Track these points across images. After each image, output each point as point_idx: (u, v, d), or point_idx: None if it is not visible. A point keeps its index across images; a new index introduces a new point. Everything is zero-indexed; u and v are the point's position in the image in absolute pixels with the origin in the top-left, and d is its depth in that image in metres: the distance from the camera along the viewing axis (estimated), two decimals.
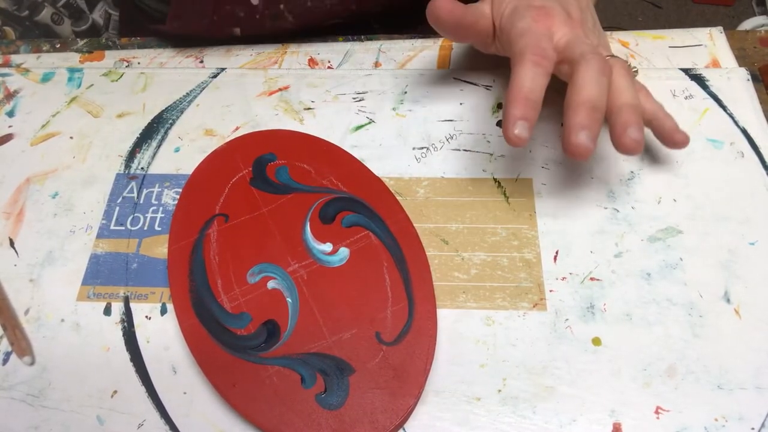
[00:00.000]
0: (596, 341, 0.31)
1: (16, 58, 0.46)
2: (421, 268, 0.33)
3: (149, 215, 0.36)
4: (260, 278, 0.33)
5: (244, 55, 0.44)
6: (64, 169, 0.39)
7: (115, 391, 0.31)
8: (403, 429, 0.29)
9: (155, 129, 0.40)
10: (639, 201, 0.35)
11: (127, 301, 0.34)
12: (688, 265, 0.33)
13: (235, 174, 0.36)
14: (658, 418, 0.29)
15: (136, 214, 0.37)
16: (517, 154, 0.37)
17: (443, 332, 0.32)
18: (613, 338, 0.31)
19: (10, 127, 0.41)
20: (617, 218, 0.35)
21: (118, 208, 0.37)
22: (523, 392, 0.30)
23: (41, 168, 0.39)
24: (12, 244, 0.36)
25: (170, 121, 0.41)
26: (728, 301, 0.32)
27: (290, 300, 0.32)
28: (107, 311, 0.33)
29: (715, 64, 0.41)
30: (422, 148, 0.38)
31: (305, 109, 0.41)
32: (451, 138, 0.39)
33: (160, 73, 0.44)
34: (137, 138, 0.40)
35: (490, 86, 0.41)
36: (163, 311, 0.33)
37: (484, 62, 0.41)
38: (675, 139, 0.34)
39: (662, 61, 0.41)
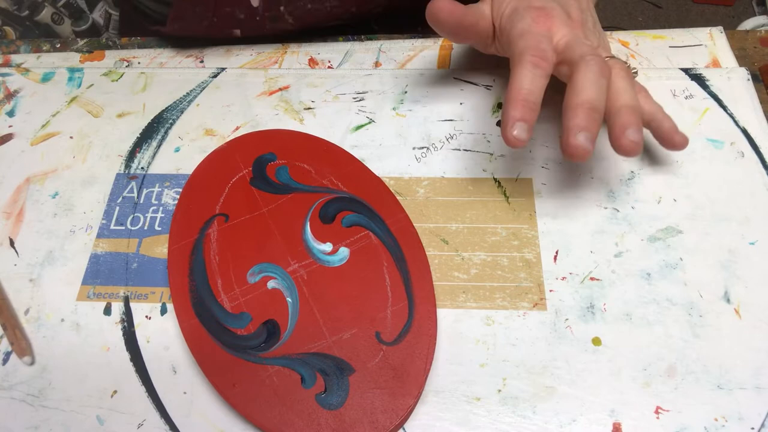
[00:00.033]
0: (596, 341, 0.31)
1: (16, 58, 0.46)
2: (421, 268, 0.33)
3: (149, 215, 0.36)
4: (260, 278, 0.33)
5: (244, 55, 0.44)
6: (64, 169, 0.39)
7: (115, 391, 0.31)
8: (403, 429, 0.29)
9: (155, 129, 0.40)
10: (639, 201, 0.35)
11: (127, 300, 0.34)
12: (688, 265, 0.33)
13: (236, 174, 0.36)
14: (658, 418, 0.29)
15: (136, 214, 0.37)
16: (518, 154, 0.37)
17: (443, 332, 0.32)
18: (613, 338, 0.31)
19: (10, 126, 0.41)
20: (617, 218, 0.35)
21: (118, 207, 0.37)
22: (523, 392, 0.30)
23: (41, 168, 0.39)
24: (12, 243, 0.36)
25: (170, 121, 0.41)
26: (728, 301, 0.32)
27: (290, 300, 0.32)
28: (107, 311, 0.33)
29: (716, 64, 0.41)
30: (422, 147, 0.38)
31: (305, 108, 0.41)
32: (452, 138, 0.39)
33: (160, 72, 0.44)
34: (137, 138, 0.40)
35: (491, 86, 0.41)
36: (163, 311, 0.33)
37: (485, 62, 0.41)
38: (674, 141, 0.34)
39: (662, 61, 0.41)
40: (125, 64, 0.44)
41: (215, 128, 0.40)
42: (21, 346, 0.32)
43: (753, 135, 0.37)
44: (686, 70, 0.40)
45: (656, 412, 0.29)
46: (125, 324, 0.33)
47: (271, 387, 0.29)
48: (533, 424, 0.29)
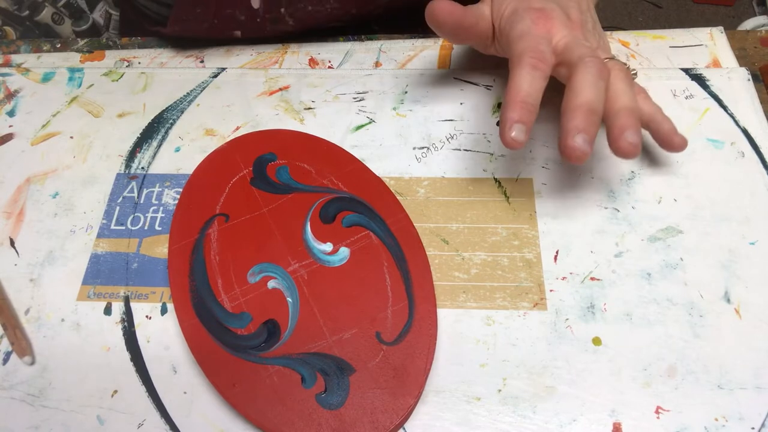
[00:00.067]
0: (596, 341, 0.31)
1: (16, 58, 0.46)
2: (422, 268, 0.33)
3: (150, 215, 0.36)
4: (260, 278, 0.33)
5: (244, 55, 0.44)
6: (65, 168, 0.39)
7: (116, 391, 0.31)
8: (404, 429, 0.29)
9: (156, 129, 0.40)
10: (639, 201, 0.35)
11: (127, 300, 0.34)
12: (688, 265, 0.33)
13: (236, 174, 0.36)
14: (658, 418, 0.29)
15: (136, 214, 0.37)
16: (518, 154, 0.37)
17: (443, 332, 0.32)
18: (613, 338, 0.31)
19: (10, 126, 0.41)
20: (617, 218, 0.35)
21: (118, 207, 0.37)
22: (523, 392, 0.30)
23: (41, 168, 0.39)
24: (12, 243, 0.36)
25: (171, 121, 0.41)
26: (728, 301, 0.32)
27: (290, 300, 0.32)
28: (107, 311, 0.33)
29: (716, 64, 0.41)
30: (423, 147, 0.38)
31: (306, 108, 0.41)
32: (452, 138, 0.39)
33: (160, 72, 0.44)
34: (138, 138, 0.40)
35: (491, 86, 0.41)
36: (164, 311, 0.33)
37: (485, 62, 0.41)
38: (672, 142, 0.34)
39: (663, 61, 0.41)
40: (125, 64, 0.45)
41: (215, 128, 0.40)
42: (21, 346, 0.32)
43: (753, 135, 0.37)
44: (686, 70, 0.40)
45: (656, 412, 0.29)
46: (125, 324, 0.33)
47: (272, 387, 0.29)
48: (533, 424, 0.29)
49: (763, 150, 0.37)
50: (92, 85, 0.43)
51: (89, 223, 0.36)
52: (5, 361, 0.32)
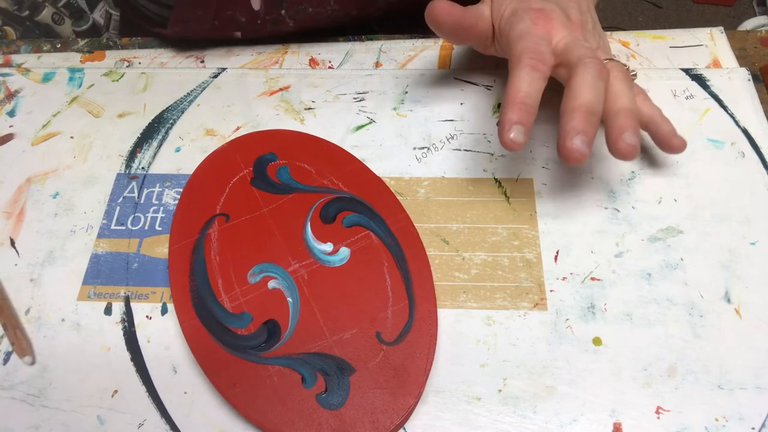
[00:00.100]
0: (597, 341, 0.31)
1: (16, 58, 0.46)
2: (422, 268, 0.33)
3: (150, 215, 0.36)
4: (261, 278, 0.33)
5: (244, 55, 0.44)
6: (65, 169, 0.39)
7: (116, 391, 0.31)
8: (404, 429, 0.29)
9: (156, 129, 0.40)
10: (639, 201, 0.35)
11: (127, 300, 0.34)
12: (688, 265, 0.33)
13: (236, 174, 0.36)
14: (658, 418, 0.29)
15: (136, 214, 0.37)
16: (518, 154, 0.37)
17: (444, 332, 0.32)
18: (613, 338, 0.31)
19: (10, 126, 0.41)
20: (618, 218, 0.35)
21: (118, 207, 0.37)
22: (523, 392, 0.30)
23: (42, 168, 0.39)
24: (13, 243, 0.36)
25: (171, 121, 0.41)
26: (728, 301, 0.32)
27: (291, 300, 0.32)
28: (108, 311, 0.33)
29: (716, 64, 0.41)
30: (423, 148, 0.38)
31: (306, 109, 0.41)
32: (452, 138, 0.39)
33: (160, 73, 0.44)
34: (138, 138, 0.40)
35: (491, 86, 0.41)
36: (164, 311, 0.33)
37: (485, 62, 0.41)
38: (672, 144, 0.34)
39: (663, 61, 0.41)
40: (126, 64, 0.45)
41: (216, 128, 0.40)
42: (21, 346, 0.32)
43: (753, 135, 0.37)
44: (687, 71, 0.40)
45: (657, 412, 0.29)
46: (126, 324, 0.33)
47: (272, 387, 0.29)
48: (534, 424, 0.29)
49: (763, 150, 0.37)
50: (92, 85, 0.43)
51: (89, 223, 0.36)
52: (5, 361, 0.32)
